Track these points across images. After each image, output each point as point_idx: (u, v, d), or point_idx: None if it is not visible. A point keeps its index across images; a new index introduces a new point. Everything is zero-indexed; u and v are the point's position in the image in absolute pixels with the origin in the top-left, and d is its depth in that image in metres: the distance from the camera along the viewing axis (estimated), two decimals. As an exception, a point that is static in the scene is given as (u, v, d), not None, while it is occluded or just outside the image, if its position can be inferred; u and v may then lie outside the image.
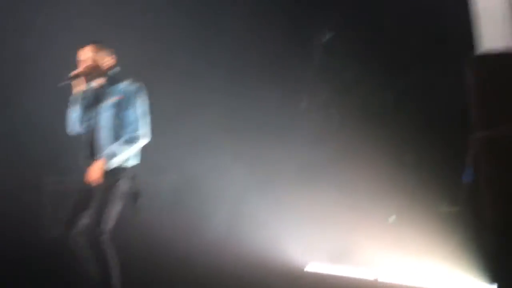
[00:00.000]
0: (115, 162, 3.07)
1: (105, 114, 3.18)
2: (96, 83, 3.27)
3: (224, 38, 5.27)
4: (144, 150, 3.18)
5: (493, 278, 3.01)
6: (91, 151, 3.17)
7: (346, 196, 4.27)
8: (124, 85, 3.22)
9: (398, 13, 4.36)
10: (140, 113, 3.17)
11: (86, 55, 3.23)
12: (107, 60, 3.28)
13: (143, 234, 4.83)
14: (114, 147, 3.09)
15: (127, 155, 3.13)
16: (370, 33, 4.58)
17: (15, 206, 5.29)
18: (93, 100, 3.25)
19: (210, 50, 5.22)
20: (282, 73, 5.02)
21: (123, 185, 3.12)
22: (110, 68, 3.28)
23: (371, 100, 4.66)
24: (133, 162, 3.20)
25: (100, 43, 3.30)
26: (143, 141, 3.18)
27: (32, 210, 5.47)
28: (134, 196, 3.16)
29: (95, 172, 3.03)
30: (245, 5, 5.14)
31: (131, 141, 3.12)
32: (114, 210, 3.06)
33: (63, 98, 3.32)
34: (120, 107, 3.16)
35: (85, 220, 3.07)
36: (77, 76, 3.16)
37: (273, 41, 5.04)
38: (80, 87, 3.21)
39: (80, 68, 3.19)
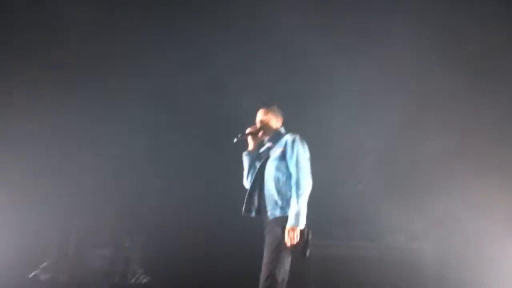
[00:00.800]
0: (303, 218, 3.23)
1: (269, 168, 3.49)
2: (264, 140, 3.67)
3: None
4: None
5: None
6: (258, 203, 3.50)
7: None
8: (284, 138, 3.53)
9: None
10: (299, 163, 3.38)
11: (262, 116, 3.65)
12: (276, 121, 3.66)
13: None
14: (295, 207, 3.24)
15: (305, 207, 3.27)
16: None
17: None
18: (260, 156, 3.66)
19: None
20: None
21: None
22: (277, 128, 3.66)
23: None
24: None
25: (275, 107, 3.71)
26: (310, 187, 3.35)
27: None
28: (304, 245, 3.26)
29: (295, 239, 3.19)
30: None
31: (300, 193, 3.27)
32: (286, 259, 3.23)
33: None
34: (282, 159, 3.44)
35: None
36: (250, 133, 3.62)
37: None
38: (252, 144, 3.67)
39: (254, 127, 3.63)
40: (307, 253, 3.28)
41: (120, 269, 6.45)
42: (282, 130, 3.67)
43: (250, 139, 3.66)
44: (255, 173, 3.58)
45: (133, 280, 6.43)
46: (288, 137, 3.51)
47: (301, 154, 3.41)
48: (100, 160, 6.18)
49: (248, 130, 3.62)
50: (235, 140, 3.56)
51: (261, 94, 5.38)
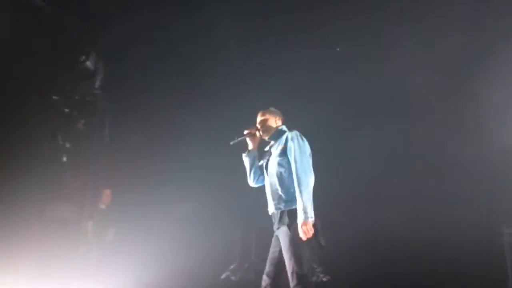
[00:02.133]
0: (310, 211, 3.27)
1: (271, 164, 3.56)
2: (266, 140, 3.78)
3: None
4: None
5: None
6: (270, 199, 3.53)
7: None
8: (285, 136, 3.61)
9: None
10: (298, 158, 3.42)
11: (260, 118, 3.77)
12: (275, 121, 3.77)
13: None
14: (300, 202, 3.28)
15: (310, 200, 3.31)
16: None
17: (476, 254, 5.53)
18: (262, 154, 3.77)
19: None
20: None
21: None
22: (278, 126, 3.76)
23: None
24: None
25: (272, 108, 3.83)
26: (311, 180, 3.40)
27: (492, 261, 5.59)
28: (316, 235, 3.30)
29: (309, 232, 3.25)
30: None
31: (302, 188, 3.30)
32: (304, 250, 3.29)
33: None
34: (283, 155, 3.51)
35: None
36: (250, 134, 3.74)
37: None
38: (251, 144, 3.78)
39: (252, 129, 3.75)
40: (322, 242, 3.33)
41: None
42: (284, 128, 3.74)
43: (249, 140, 3.75)
44: (261, 171, 3.67)
45: (313, 279, 6.50)
46: (288, 134, 3.57)
47: (300, 150, 3.44)
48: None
49: (245, 132, 3.73)
50: (232, 142, 3.68)
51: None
